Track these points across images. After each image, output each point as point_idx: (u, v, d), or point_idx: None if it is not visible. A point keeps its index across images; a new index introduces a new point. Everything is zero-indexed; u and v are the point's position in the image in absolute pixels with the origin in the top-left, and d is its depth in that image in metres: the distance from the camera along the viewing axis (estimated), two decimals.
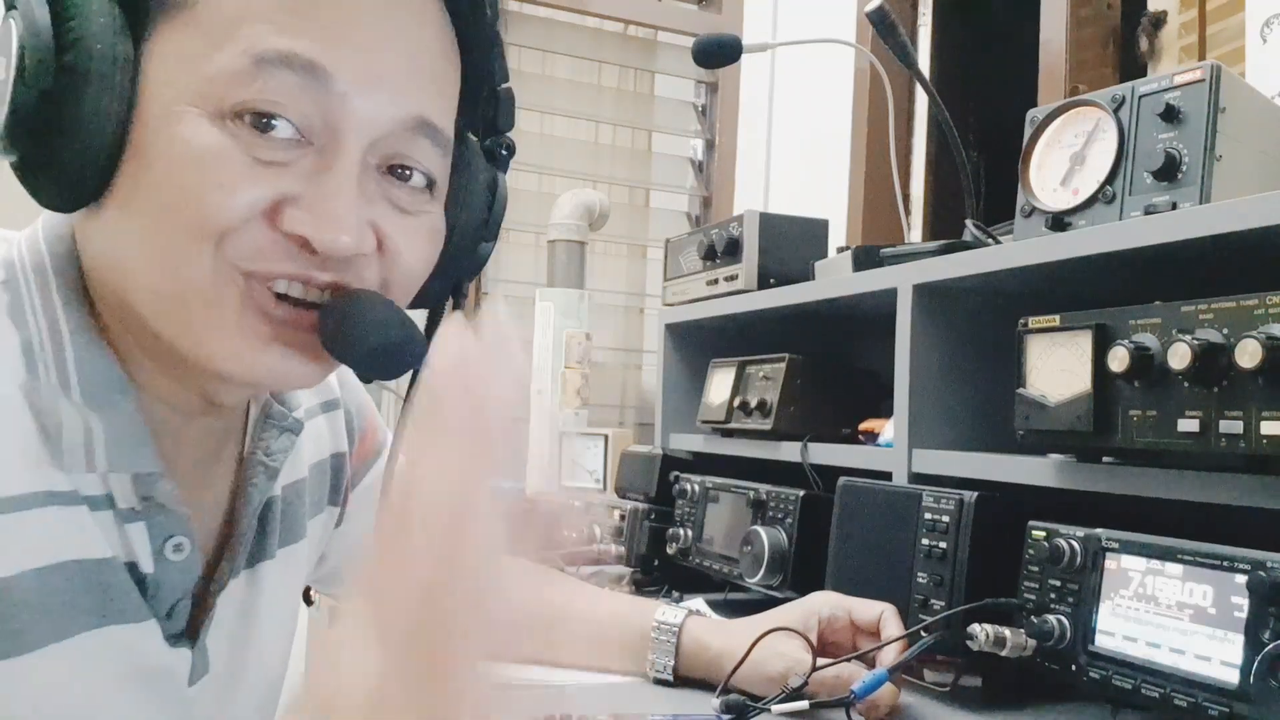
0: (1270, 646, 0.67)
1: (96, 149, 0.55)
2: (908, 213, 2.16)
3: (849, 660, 0.93)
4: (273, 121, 0.55)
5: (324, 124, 0.56)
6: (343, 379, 0.89)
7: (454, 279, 0.72)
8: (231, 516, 0.72)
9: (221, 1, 0.55)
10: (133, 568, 0.62)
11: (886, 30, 1.34)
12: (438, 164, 0.63)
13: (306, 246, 0.57)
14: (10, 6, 0.54)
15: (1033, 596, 0.86)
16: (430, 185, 0.63)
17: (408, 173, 0.61)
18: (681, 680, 0.97)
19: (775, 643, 0.92)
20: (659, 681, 0.97)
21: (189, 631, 0.67)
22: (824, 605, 0.97)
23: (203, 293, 0.57)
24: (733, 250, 1.57)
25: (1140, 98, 0.94)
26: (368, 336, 0.59)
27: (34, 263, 0.61)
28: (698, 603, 1.29)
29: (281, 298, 0.59)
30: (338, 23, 0.56)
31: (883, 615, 0.94)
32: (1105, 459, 0.89)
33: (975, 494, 0.95)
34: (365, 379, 0.71)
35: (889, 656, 0.91)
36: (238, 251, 0.56)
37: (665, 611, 0.99)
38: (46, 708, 0.57)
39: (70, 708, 0.58)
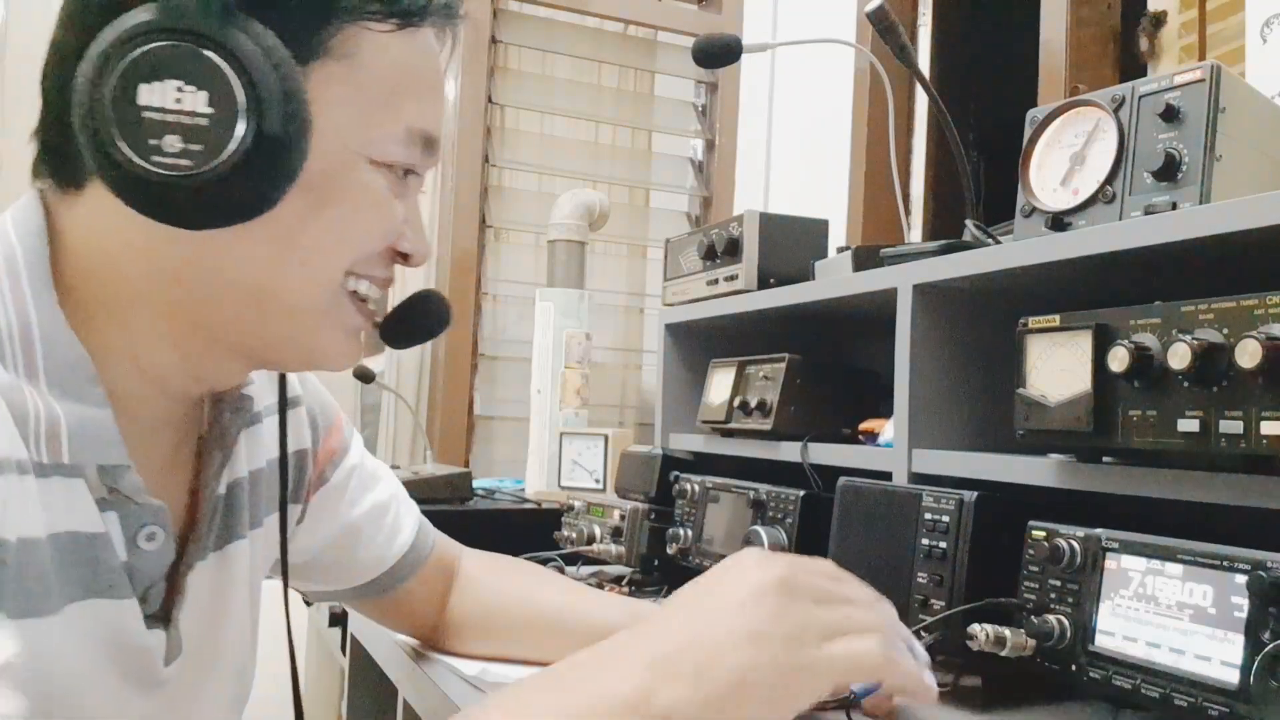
0: (1270, 646, 0.67)
1: (286, 184, 0.62)
2: (908, 213, 2.16)
3: None
4: (406, 173, 0.70)
5: (420, 166, 0.72)
6: (304, 377, 0.92)
7: None
8: (195, 499, 0.75)
9: (382, 71, 0.67)
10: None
11: (886, 30, 1.34)
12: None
13: (400, 258, 0.72)
14: (220, 48, 0.58)
15: (1033, 596, 0.86)
16: None
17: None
18: None
19: None
20: None
21: (163, 613, 0.70)
22: None
23: (330, 303, 0.69)
24: (733, 250, 1.57)
25: (1140, 98, 0.94)
26: (434, 325, 0.81)
27: (4, 253, 0.63)
28: None
29: (359, 299, 0.71)
30: (440, 104, 0.73)
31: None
32: (1105, 459, 0.89)
33: (975, 494, 0.95)
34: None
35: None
36: (363, 266, 0.70)
37: None
38: (44, 673, 0.58)
39: (63, 675, 0.60)
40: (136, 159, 0.57)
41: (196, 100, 0.58)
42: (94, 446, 0.62)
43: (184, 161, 0.57)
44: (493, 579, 1.06)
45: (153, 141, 0.57)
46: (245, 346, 0.70)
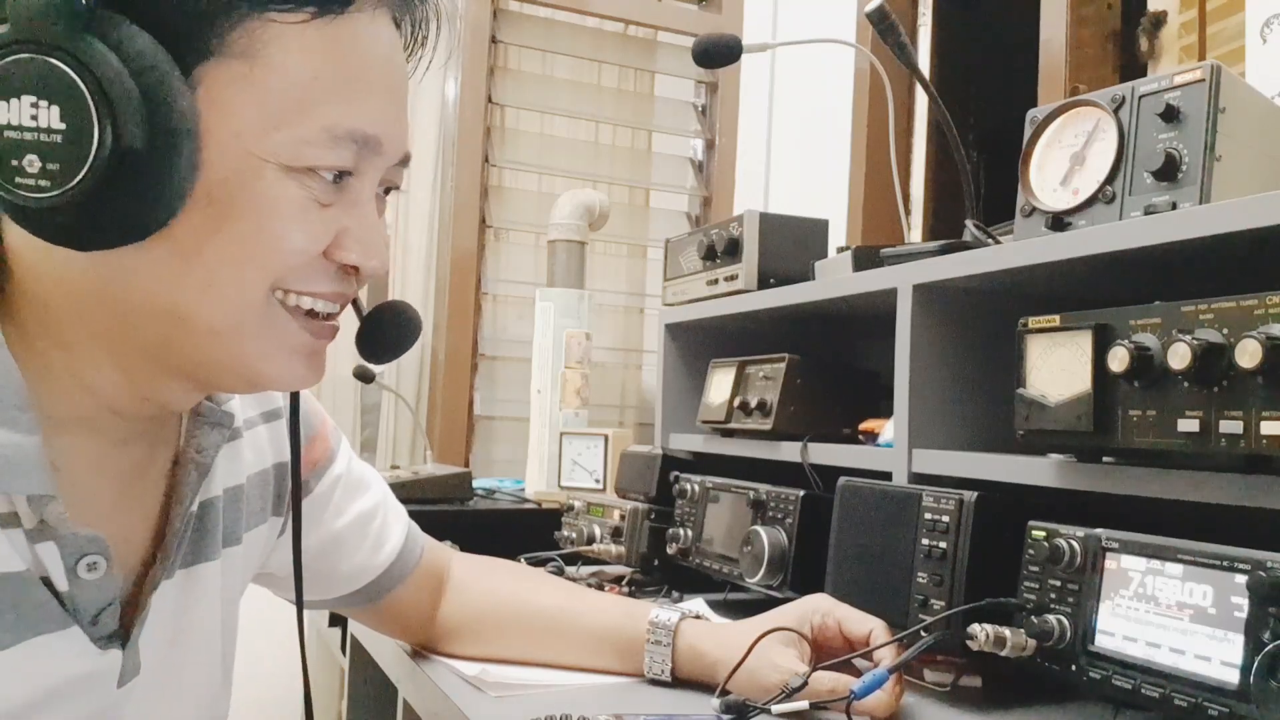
0: (1270, 646, 0.67)
1: (173, 199, 0.58)
2: (908, 213, 2.16)
3: (848, 659, 0.93)
4: (339, 177, 0.64)
5: (358, 168, 0.65)
6: None
7: None
8: (166, 516, 0.73)
9: (292, 68, 0.61)
10: (48, 582, 0.62)
11: (886, 30, 1.34)
12: (403, 178, 0.72)
13: (350, 271, 0.67)
14: (70, 58, 0.54)
15: (1033, 596, 0.86)
16: None
17: (387, 189, 0.71)
18: (680, 681, 0.97)
19: (771, 653, 0.92)
20: (657, 682, 0.97)
21: (121, 632, 0.67)
22: (816, 613, 0.96)
23: (257, 321, 0.64)
24: (733, 250, 1.57)
25: (1140, 98, 0.94)
26: (409, 337, 0.77)
27: None
28: (698, 603, 1.29)
29: (308, 313, 0.66)
30: (380, 99, 0.65)
31: (872, 632, 0.93)
32: (1105, 459, 0.89)
33: (975, 494, 0.95)
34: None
35: (886, 662, 0.90)
36: (292, 281, 0.64)
37: (659, 613, 0.98)
38: None
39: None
40: (3, 181, 0.54)
41: (50, 116, 0.54)
42: (15, 475, 0.59)
43: (44, 182, 0.54)
44: (483, 583, 1.06)
45: (14, 163, 0.54)
46: (184, 369, 0.66)
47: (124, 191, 0.56)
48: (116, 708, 0.67)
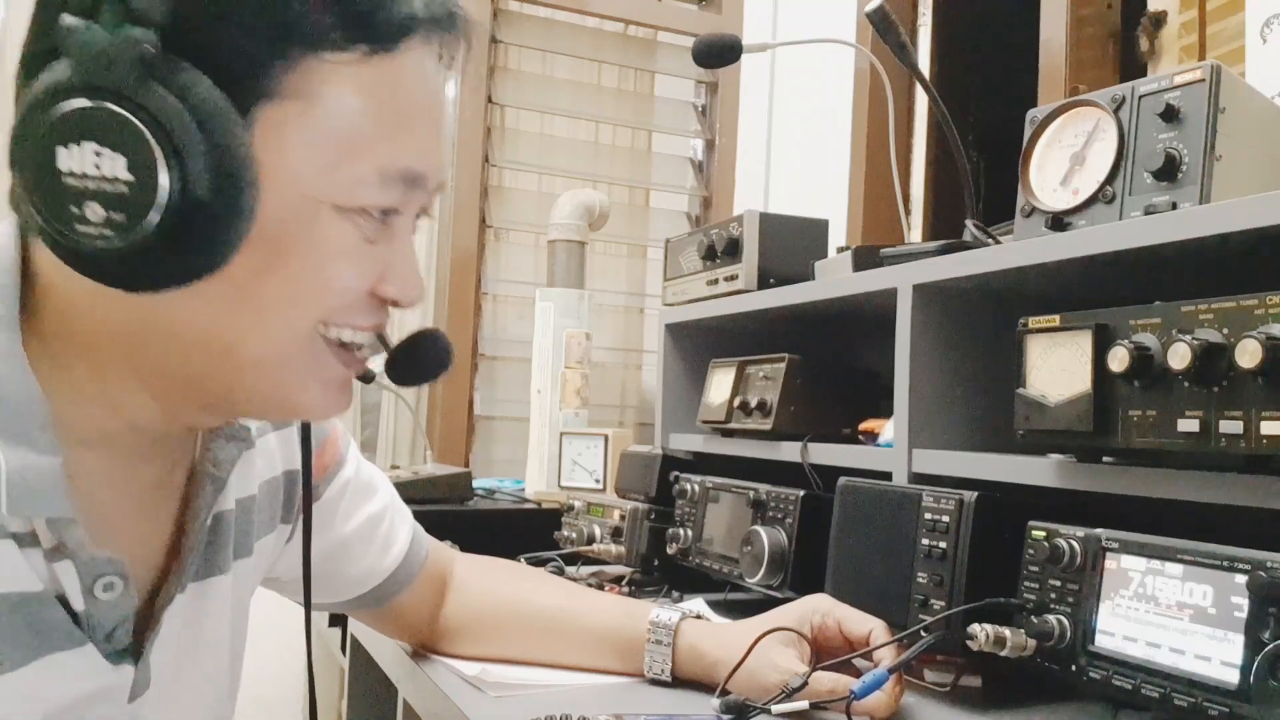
0: (1270, 646, 0.67)
1: (231, 243, 0.57)
2: (908, 213, 2.16)
3: (848, 659, 0.93)
4: (386, 214, 0.64)
5: (402, 205, 0.66)
6: None
7: None
8: (180, 530, 0.72)
9: (347, 108, 0.61)
10: (64, 600, 0.62)
11: (886, 30, 1.34)
12: (436, 205, 0.73)
13: (389, 303, 0.67)
14: (138, 108, 0.53)
15: (1033, 596, 0.86)
16: None
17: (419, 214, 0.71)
18: (680, 681, 0.97)
19: (771, 654, 0.92)
20: (657, 682, 0.97)
21: (132, 648, 0.67)
22: (816, 613, 0.96)
23: (300, 355, 0.64)
24: (733, 250, 1.57)
25: (1140, 98, 0.94)
26: (443, 362, 0.76)
27: None
28: (698, 603, 1.29)
29: (344, 344, 0.67)
30: (427, 136, 0.66)
31: (872, 633, 0.93)
32: (1105, 459, 0.89)
33: (975, 494, 0.95)
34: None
35: (886, 662, 0.90)
36: (337, 317, 0.65)
37: (659, 613, 0.99)
38: None
39: None
40: (60, 227, 0.54)
41: (115, 165, 0.53)
42: (34, 498, 0.58)
43: (108, 231, 0.54)
44: (483, 583, 1.06)
45: (74, 210, 0.53)
46: (219, 397, 0.66)
47: (185, 238, 0.55)
48: None
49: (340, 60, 0.60)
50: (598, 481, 1.97)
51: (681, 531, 1.36)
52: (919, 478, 1.11)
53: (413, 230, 0.69)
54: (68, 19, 0.53)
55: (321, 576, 0.93)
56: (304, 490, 0.84)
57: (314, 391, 0.67)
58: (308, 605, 0.86)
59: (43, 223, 0.55)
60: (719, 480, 1.34)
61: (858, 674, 0.89)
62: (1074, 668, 0.81)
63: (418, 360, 0.76)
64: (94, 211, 0.54)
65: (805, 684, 0.87)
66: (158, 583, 0.71)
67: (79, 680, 0.63)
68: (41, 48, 0.56)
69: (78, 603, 0.62)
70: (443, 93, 0.68)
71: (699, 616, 1.02)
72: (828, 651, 0.94)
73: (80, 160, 0.53)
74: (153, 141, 0.53)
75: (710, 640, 0.96)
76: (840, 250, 1.47)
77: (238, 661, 0.83)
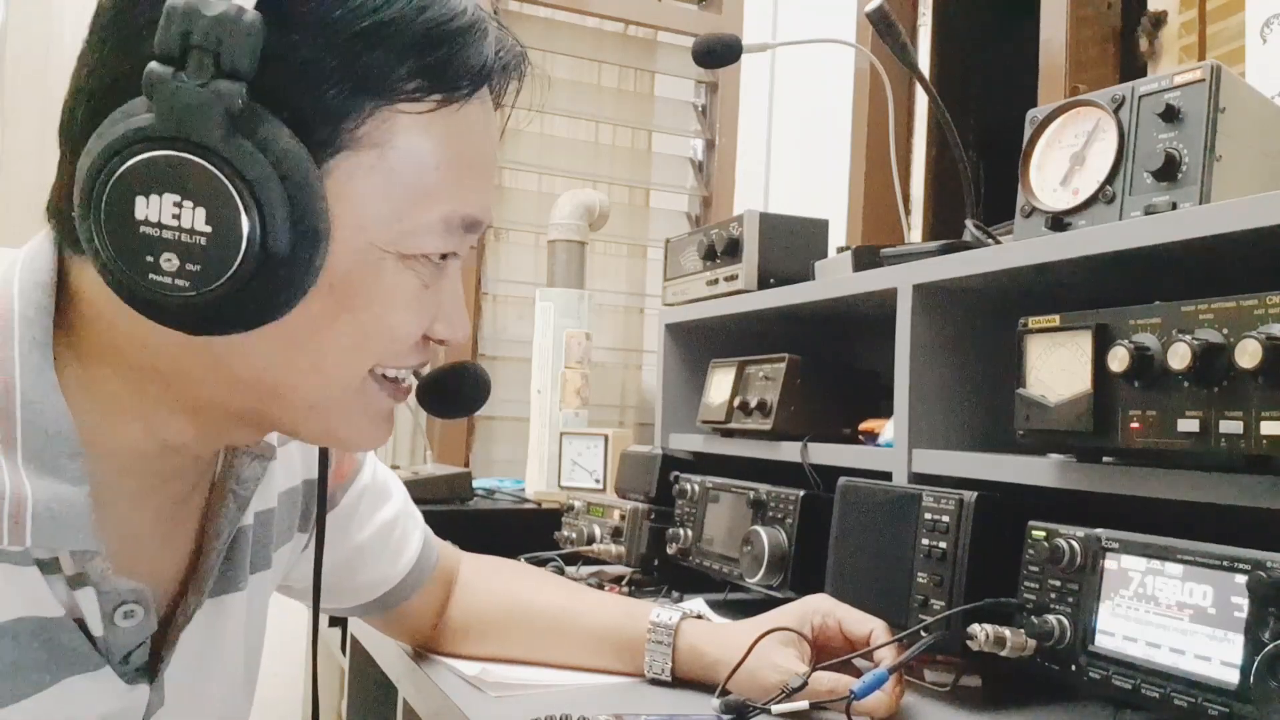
0: (1270, 646, 0.67)
1: (299, 293, 0.57)
2: (908, 213, 2.16)
3: (849, 660, 0.93)
4: (444, 259, 0.64)
5: (458, 249, 0.66)
6: None
7: None
8: (200, 548, 0.72)
9: (418, 160, 0.60)
10: (83, 624, 0.62)
11: (886, 30, 1.34)
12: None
13: (437, 342, 0.67)
14: (223, 161, 0.53)
15: (1033, 596, 0.86)
16: None
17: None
18: (680, 681, 0.97)
19: (771, 654, 0.92)
20: (657, 682, 0.97)
21: (149, 667, 0.67)
22: (816, 614, 0.96)
23: (351, 396, 0.65)
24: (733, 250, 1.57)
25: (1140, 98, 0.94)
26: (479, 397, 0.76)
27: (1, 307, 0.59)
28: (698, 603, 1.29)
29: (387, 379, 0.67)
30: (487, 184, 0.67)
31: (873, 633, 0.93)
32: (1105, 459, 0.89)
33: (975, 494, 0.95)
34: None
35: (886, 661, 0.90)
36: (390, 360, 0.65)
37: (660, 613, 0.99)
38: None
39: None
40: (132, 274, 0.53)
41: (195, 217, 0.53)
42: (60, 530, 0.57)
43: (182, 282, 0.53)
44: (489, 582, 1.06)
45: (149, 259, 0.53)
46: (264, 426, 0.67)
47: (257, 289, 0.55)
48: None
49: (413, 110, 0.60)
50: (598, 481, 1.97)
51: (681, 531, 1.36)
52: (919, 478, 1.11)
53: (459, 279, 0.69)
54: (156, 68, 0.52)
55: (334, 584, 0.93)
56: (319, 503, 0.84)
57: (362, 427, 0.67)
58: (315, 613, 0.86)
59: (111, 265, 0.54)
60: (719, 480, 1.34)
61: (858, 674, 0.89)
62: (1074, 668, 0.81)
63: (451, 393, 0.76)
64: (170, 262, 0.53)
65: (805, 684, 0.87)
66: (174, 601, 0.70)
67: (95, 703, 0.63)
68: (115, 80, 0.56)
69: (97, 628, 0.62)
70: (497, 138, 0.68)
71: (699, 616, 1.02)
72: (828, 652, 0.94)
73: (159, 210, 0.53)
74: (235, 195, 0.53)
75: (710, 640, 0.96)
76: (840, 250, 1.47)
77: (252, 674, 0.83)
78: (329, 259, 0.58)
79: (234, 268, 0.53)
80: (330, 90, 0.56)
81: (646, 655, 0.97)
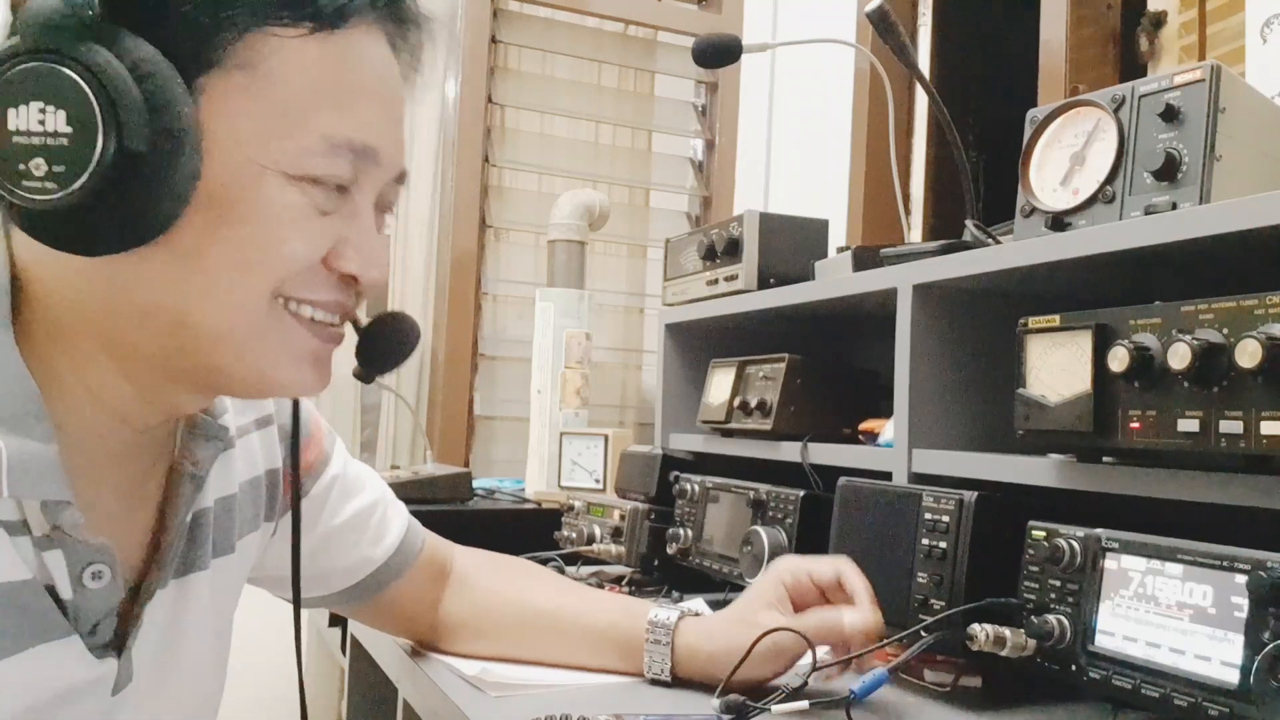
0: (1270, 646, 0.67)
1: (175, 203, 0.59)
2: (908, 213, 2.16)
3: (849, 660, 0.93)
4: (338, 186, 0.66)
5: (356, 179, 0.67)
6: None
7: None
8: (161, 527, 0.73)
9: (292, 80, 0.63)
10: (52, 590, 0.63)
11: (886, 30, 1.34)
12: (399, 197, 0.74)
13: (349, 281, 0.68)
14: (78, 65, 0.56)
15: (1033, 596, 0.86)
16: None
17: (385, 206, 0.73)
18: (680, 681, 0.97)
19: (755, 615, 0.94)
20: (657, 682, 0.97)
21: (115, 642, 0.68)
22: (786, 573, 0.98)
23: (260, 326, 0.65)
24: (733, 250, 1.57)
25: (1140, 98, 0.94)
26: (407, 347, 0.78)
27: None
28: (698, 603, 1.29)
29: (311, 322, 0.68)
30: (375, 113, 0.67)
31: (840, 571, 0.95)
32: (1105, 459, 0.89)
33: (975, 494, 0.95)
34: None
35: (861, 618, 0.91)
36: (293, 288, 0.66)
37: (658, 613, 0.99)
38: None
39: None
40: (10, 186, 0.56)
41: (57, 120, 0.56)
42: (33, 481, 0.60)
43: (50, 184, 0.56)
44: (487, 578, 1.06)
45: (21, 166, 0.56)
46: (192, 375, 0.67)
47: (127, 195, 0.57)
48: (110, 715, 0.68)
49: (286, 34, 0.62)
50: (598, 481, 1.97)
51: (681, 531, 1.36)
52: (919, 478, 1.11)
53: (381, 223, 0.70)
54: None
55: (312, 571, 0.93)
56: (293, 486, 0.85)
57: (286, 367, 0.67)
58: (296, 600, 0.87)
59: (2, 189, 0.57)
60: (719, 480, 1.34)
61: (859, 669, 0.89)
62: (1074, 668, 0.81)
63: (383, 344, 0.77)
64: (38, 166, 0.56)
65: (805, 684, 0.87)
66: (139, 580, 0.71)
67: (64, 672, 0.64)
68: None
69: (66, 591, 0.63)
70: (396, 78, 0.70)
71: (698, 615, 1.02)
72: (805, 606, 0.96)
73: (27, 118, 0.56)
74: (90, 95, 0.55)
75: (703, 636, 0.97)
76: (840, 250, 1.47)
77: (222, 658, 0.84)
78: (208, 175, 0.60)
79: (93, 163, 0.56)
80: (198, 11, 0.60)
81: (645, 655, 0.97)
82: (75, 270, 0.61)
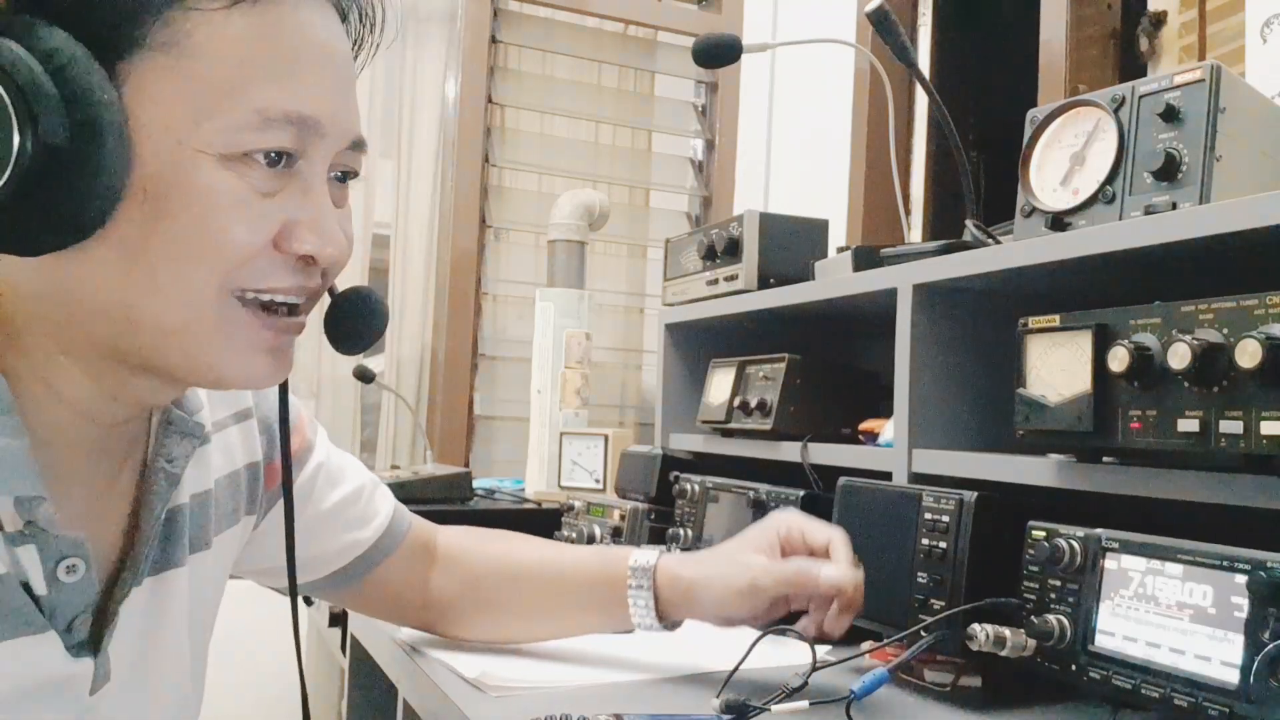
0: (1270, 646, 0.67)
1: (105, 196, 0.57)
2: (908, 213, 2.16)
3: (849, 660, 0.93)
4: (278, 162, 0.62)
5: (304, 151, 0.64)
6: None
7: None
8: (135, 524, 0.73)
9: (219, 55, 0.60)
10: (27, 586, 0.62)
11: (886, 30, 1.34)
12: (360, 164, 0.71)
13: (308, 261, 0.65)
14: None
15: (1033, 596, 0.86)
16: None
17: (344, 175, 0.70)
18: (671, 625, 0.99)
19: (740, 554, 0.96)
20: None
21: (91, 641, 0.67)
22: (782, 524, 0.99)
23: (210, 319, 0.62)
24: (733, 250, 1.57)
25: (1140, 98, 0.94)
26: (375, 324, 0.76)
27: None
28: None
29: (267, 307, 0.65)
30: (315, 80, 0.64)
31: (831, 541, 0.96)
32: (1105, 459, 0.89)
33: (975, 494, 0.95)
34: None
35: (838, 571, 0.93)
36: (244, 277, 0.63)
37: (638, 556, 1.00)
38: None
39: None
40: None
41: None
42: (5, 477, 0.59)
43: None
44: (473, 550, 1.06)
45: None
46: (150, 368, 0.65)
47: (54, 190, 0.55)
48: (88, 714, 0.68)
49: (207, 8, 0.60)
50: (598, 481, 1.97)
51: (681, 531, 1.36)
52: (919, 478, 1.11)
53: (334, 188, 0.67)
54: None
55: (302, 557, 0.92)
56: (284, 475, 0.84)
57: (237, 360, 0.64)
58: (292, 589, 0.86)
59: None
60: (719, 480, 1.34)
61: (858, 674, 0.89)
62: (1074, 668, 0.81)
63: (350, 321, 0.75)
64: None
65: (806, 684, 0.87)
66: (113, 578, 0.71)
67: (40, 668, 0.63)
68: None
69: (40, 586, 0.63)
70: (337, 42, 0.67)
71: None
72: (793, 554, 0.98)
73: None
74: (1, 91, 0.53)
75: (687, 564, 0.99)
76: (840, 250, 1.47)
77: (200, 658, 0.83)
78: (139, 164, 0.58)
79: (11, 162, 0.54)
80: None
81: (629, 604, 0.98)
82: (20, 271, 0.61)
